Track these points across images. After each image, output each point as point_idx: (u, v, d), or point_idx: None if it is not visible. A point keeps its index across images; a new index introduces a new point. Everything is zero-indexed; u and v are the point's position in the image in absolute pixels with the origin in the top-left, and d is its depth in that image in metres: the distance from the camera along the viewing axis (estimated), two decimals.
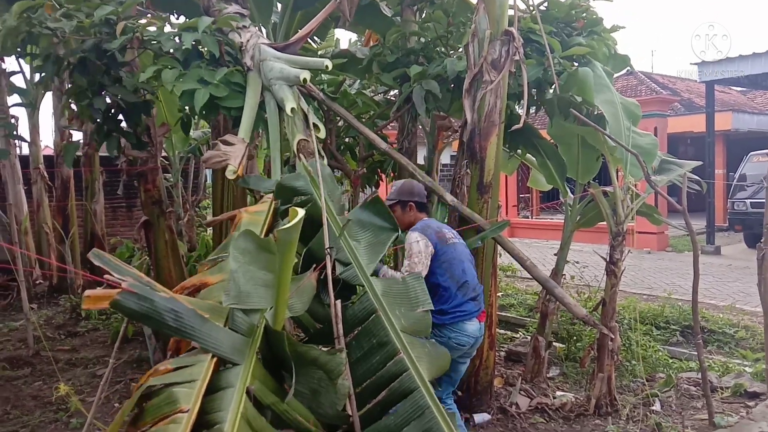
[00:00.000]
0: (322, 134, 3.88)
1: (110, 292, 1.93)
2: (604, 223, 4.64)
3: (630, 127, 4.51)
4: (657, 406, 4.54)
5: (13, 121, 7.01)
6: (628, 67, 5.75)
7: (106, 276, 2.01)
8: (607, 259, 4.46)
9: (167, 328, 1.97)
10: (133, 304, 1.89)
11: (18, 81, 8.28)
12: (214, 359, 2.02)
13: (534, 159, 5.39)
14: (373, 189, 7.01)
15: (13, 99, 8.13)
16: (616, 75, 5.93)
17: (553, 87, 4.58)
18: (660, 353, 5.57)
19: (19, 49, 4.92)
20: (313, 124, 3.75)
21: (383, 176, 6.69)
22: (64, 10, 4.01)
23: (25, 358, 5.97)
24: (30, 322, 6.21)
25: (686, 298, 7.66)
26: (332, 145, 5.36)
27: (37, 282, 8.96)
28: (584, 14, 4.91)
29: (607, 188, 4.64)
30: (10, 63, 8.09)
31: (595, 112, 4.56)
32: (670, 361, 5.53)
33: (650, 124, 12.56)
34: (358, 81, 6.74)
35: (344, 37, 33.22)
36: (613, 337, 4.32)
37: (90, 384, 5.29)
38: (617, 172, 4.53)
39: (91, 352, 6.22)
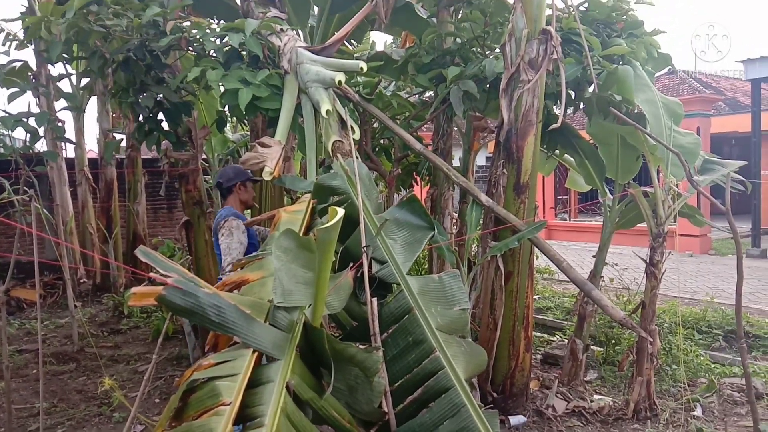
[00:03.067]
0: (357, 135, 3.93)
1: (155, 288, 1.98)
2: (645, 224, 4.56)
3: (672, 127, 4.42)
4: (698, 412, 4.43)
5: (60, 124, 7.24)
6: (670, 66, 5.64)
7: (151, 274, 2.07)
8: (647, 261, 4.38)
9: (210, 323, 2.02)
10: (178, 299, 1.94)
11: (64, 86, 8.57)
12: (255, 354, 2.07)
13: (572, 159, 5.33)
14: (408, 190, 7.04)
15: (60, 104, 8.41)
16: (657, 74, 5.83)
17: (592, 86, 4.52)
18: (701, 358, 5.44)
19: (65, 56, 5.10)
20: (349, 125, 3.79)
21: (418, 178, 6.71)
22: (113, 9, 4.16)
23: (70, 353, 6.18)
24: (75, 319, 6.42)
25: (729, 302, 7.46)
26: (367, 146, 5.40)
27: (82, 281, 9.23)
28: (625, 16, 4.85)
29: (648, 189, 4.55)
30: (57, 68, 8.36)
31: (635, 111, 4.49)
32: (712, 366, 5.39)
33: (693, 124, 12.25)
34: (394, 82, 6.77)
35: (380, 40, 33.35)
36: (651, 340, 4.24)
37: (132, 380, 5.44)
38: (658, 172, 4.45)
39: (133, 349, 6.39)
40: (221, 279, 3.98)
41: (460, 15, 5.57)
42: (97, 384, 5.25)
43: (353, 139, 3.76)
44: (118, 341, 6.70)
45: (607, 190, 5.04)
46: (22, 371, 5.70)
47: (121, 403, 4.63)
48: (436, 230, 3.28)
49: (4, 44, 7.07)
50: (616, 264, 6.43)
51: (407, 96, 6.60)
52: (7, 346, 4.20)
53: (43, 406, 4.17)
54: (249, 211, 4.97)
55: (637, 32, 4.86)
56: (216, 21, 5.99)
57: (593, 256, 5.10)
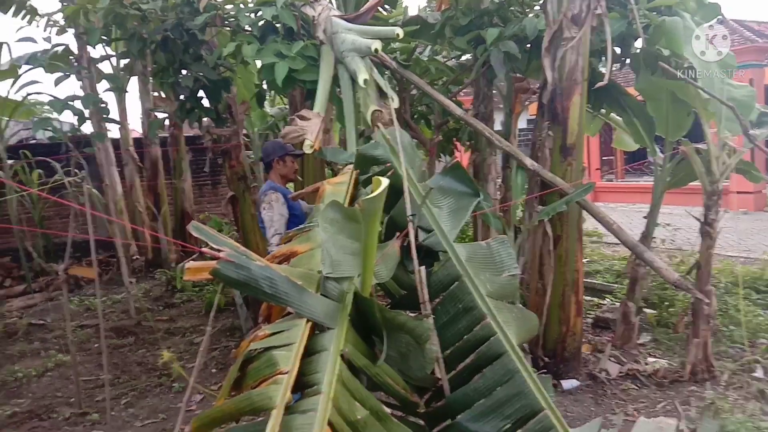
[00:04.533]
0: (396, 104, 3.87)
1: (209, 263, 2.02)
2: (697, 183, 4.40)
3: (724, 79, 4.22)
4: (759, 373, 4.31)
5: (103, 105, 7.40)
6: (719, 16, 5.36)
7: (203, 249, 2.11)
8: (702, 221, 4.24)
9: (264, 295, 2.05)
10: (232, 272, 1.97)
11: (105, 67, 8.72)
12: (309, 324, 2.09)
13: (619, 118, 5.16)
14: (449, 157, 6.97)
15: (102, 85, 8.57)
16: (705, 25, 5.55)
17: (638, 40, 4.34)
18: (761, 318, 5.27)
19: (105, 38, 5.19)
20: (387, 94, 3.74)
21: (458, 144, 6.62)
22: None
23: (128, 327, 6.42)
24: (131, 294, 6.64)
25: None
26: (406, 114, 5.34)
27: (134, 258, 9.54)
28: None
29: (700, 145, 4.38)
30: (98, 49, 8.48)
31: (685, 65, 4.29)
32: None
33: (745, 75, 11.67)
34: (430, 47, 6.64)
35: (413, 3, 32.71)
36: (708, 301, 4.12)
37: (188, 351, 5.62)
38: (711, 128, 4.27)
39: (188, 321, 6.60)
40: (270, 251, 4.05)
41: None
42: (155, 356, 5.46)
43: (393, 108, 3.71)
44: (172, 314, 6.92)
45: (657, 149, 4.88)
46: (84, 345, 5.97)
47: (180, 374, 4.81)
48: (481, 197, 3.23)
49: (45, 30, 7.25)
50: (668, 224, 6.26)
51: (445, 60, 6.48)
52: (70, 322, 4.40)
53: (108, 377, 4.36)
54: (292, 183, 5.01)
55: None
56: None
57: (644, 217, 4.96)
